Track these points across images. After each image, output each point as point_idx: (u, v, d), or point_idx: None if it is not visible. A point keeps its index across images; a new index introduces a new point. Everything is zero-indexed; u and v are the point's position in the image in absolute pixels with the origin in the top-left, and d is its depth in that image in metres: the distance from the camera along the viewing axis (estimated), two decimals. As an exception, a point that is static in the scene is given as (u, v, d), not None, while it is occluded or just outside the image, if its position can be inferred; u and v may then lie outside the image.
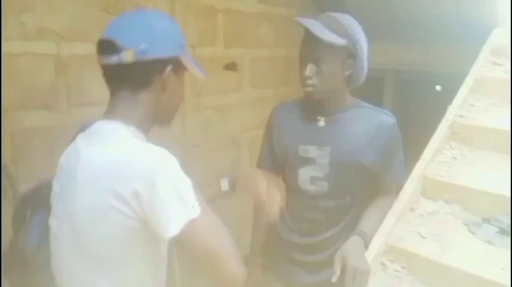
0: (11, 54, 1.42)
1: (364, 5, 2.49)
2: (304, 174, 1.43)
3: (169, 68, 0.96)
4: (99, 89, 1.65)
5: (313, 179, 1.43)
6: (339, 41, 1.28)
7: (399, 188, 1.42)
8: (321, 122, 1.41)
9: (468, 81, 1.87)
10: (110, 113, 0.97)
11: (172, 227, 0.84)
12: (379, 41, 2.34)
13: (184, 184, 0.88)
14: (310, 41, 1.30)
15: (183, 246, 0.89)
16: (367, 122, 1.39)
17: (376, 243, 1.32)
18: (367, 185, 1.45)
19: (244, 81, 2.39)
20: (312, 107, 1.42)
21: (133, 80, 0.96)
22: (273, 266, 1.56)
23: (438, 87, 3.54)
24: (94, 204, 0.89)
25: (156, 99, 0.98)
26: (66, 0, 1.53)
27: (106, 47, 0.93)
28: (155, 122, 1.03)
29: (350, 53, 1.33)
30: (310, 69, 1.31)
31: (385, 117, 1.41)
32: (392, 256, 1.33)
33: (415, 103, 2.80)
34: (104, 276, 0.92)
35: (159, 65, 0.95)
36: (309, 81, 1.32)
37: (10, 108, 1.44)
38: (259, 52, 2.45)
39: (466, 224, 1.41)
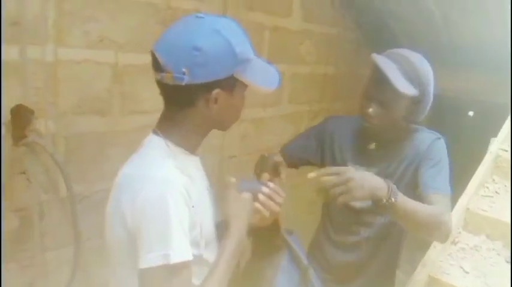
0: (73, 61, 1.47)
1: (407, 28, 2.50)
2: None
3: (216, 91, 0.90)
4: (151, 98, 1.73)
5: None
6: (412, 91, 1.24)
7: (445, 200, 1.28)
8: (372, 145, 1.43)
9: (514, 115, 1.86)
10: (157, 126, 0.98)
11: (145, 261, 0.83)
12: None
13: (175, 226, 0.84)
14: (381, 82, 1.24)
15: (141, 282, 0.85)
16: (412, 143, 1.39)
17: (419, 274, 1.32)
18: None
19: (283, 96, 2.42)
20: (366, 131, 1.42)
21: (177, 100, 0.93)
22: None
23: (471, 113, 3.51)
24: (109, 206, 0.95)
25: (202, 117, 0.94)
26: (127, 11, 1.58)
27: (153, 60, 0.91)
28: (207, 133, 1.01)
29: (417, 100, 1.29)
30: (374, 109, 1.29)
31: (427, 134, 1.39)
32: (434, 288, 1.33)
33: (451, 130, 2.78)
34: (110, 267, 0.98)
35: (204, 87, 0.89)
36: (370, 120, 1.32)
37: (68, 113, 1.49)
38: (299, 69, 2.47)
39: (508, 262, 1.40)
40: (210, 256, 0.98)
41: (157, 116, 1.71)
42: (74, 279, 1.52)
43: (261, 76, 0.97)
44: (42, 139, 1.41)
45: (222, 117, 0.97)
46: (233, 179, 1.05)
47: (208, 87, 0.90)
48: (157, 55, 0.89)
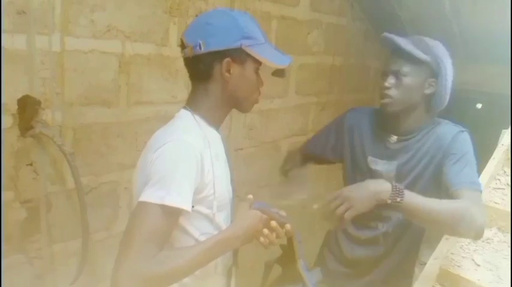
0: (80, 51, 1.45)
1: (417, 19, 2.46)
2: None
3: (226, 60, 1.03)
4: (157, 89, 1.71)
5: None
6: (422, 55, 1.29)
7: (476, 195, 1.22)
8: (393, 138, 1.41)
9: (525, 106, 1.83)
10: (187, 102, 1.12)
11: (143, 195, 0.92)
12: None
13: (179, 176, 0.94)
14: (393, 55, 1.33)
15: (131, 214, 0.95)
16: (434, 137, 1.37)
17: (430, 266, 1.31)
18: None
19: (290, 87, 2.39)
20: (386, 121, 1.41)
21: (198, 72, 1.07)
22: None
23: (479, 105, 3.47)
24: (139, 162, 1.07)
25: (220, 89, 1.07)
26: (133, 1, 1.55)
27: (181, 43, 1.08)
28: (228, 108, 1.13)
29: (433, 72, 1.32)
30: (390, 80, 1.32)
31: (450, 127, 1.37)
32: (445, 280, 1.32)
33: (461, 122, 2.75)
34: None
35: (217, 57, 1.03)
36: (386, 92, 1.33)
37: (75, 103, 1.47)
38: (307, 59, 2.44)
39: (521, 255, 1.38)
40: (221, 221, 1.09)
41: (163, 107, 1.73)
42: (81, 271, 1.51)
43: (270, 54, 1.08)
44: (49, 130, 1.40)
45: (238, 91, 1.08)
46: (250, 196, 1.14)
47: (220, 56, 1.03)
48: (183, 37, 1.07)
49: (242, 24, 1.04)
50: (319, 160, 1.62)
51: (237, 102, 1.11)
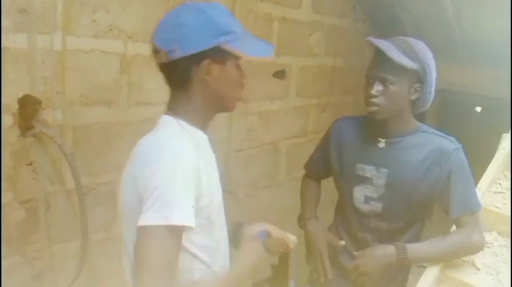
0: (81, 50, 1.44)
1: (419, 23, 2.46)
2: (359, 193, 1.44)
3: (204, 62, 0.96)
4: (157, 89, 1.70)
5: (367, 199, 1.43)
6: (410, 64, 1.26)
7: (473, 218, 1.31)
8: (381, 144, 1.40)
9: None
10: (167, 107, 1.04)
11: (145, 219, 0.86)
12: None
13: (180, 192, 0.88)
14: (379, 60, 1.29)
15: (136, 241, 0.88)
16: (426, 148, 1.35)
17: (431, 270, 1.30)
18: (423, 211, 1.43)
19: (290, 89, 2.39)
20: (373, 127, 1.40)
21: (175, 78, 1.00)
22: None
23: (478, 109, 3.48)
24: (124, 174, 0.99)
25: (202, 92, 1.00)
26: (136, 1, 1.55)
27: (152, 47, 1.01)
28: (213, 111, 1.06)
29: (419, 78, 1.31)
30: (377, 88, 1.29)
31: (446, 143, 1.35)
32: (446, 284, 1.31)
33: (459, 124, 2.76)
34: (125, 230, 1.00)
35: (195, 60, 0.96)
36: (373, 100, 1.30)
37: (76, 103, 1.47)
38: (308, 61, 2.44)
39: (521, 259, 1.38)
40: (219, 229, 1.06)
41: (163, 108, 1.69)
42: (80, 272, 1.51)
43: (252, 46, 1.01)
44: (49, 130, 1.39)
45: (222, 91, 1.01)
46: (244, 222, 1.19)
47: (198, 59, 0.95)
48: (152, 42, 0.99)
49: (217, 20, 0.96)
50: (325, 175, 1.62)
51: (220, 103, 1.04)
